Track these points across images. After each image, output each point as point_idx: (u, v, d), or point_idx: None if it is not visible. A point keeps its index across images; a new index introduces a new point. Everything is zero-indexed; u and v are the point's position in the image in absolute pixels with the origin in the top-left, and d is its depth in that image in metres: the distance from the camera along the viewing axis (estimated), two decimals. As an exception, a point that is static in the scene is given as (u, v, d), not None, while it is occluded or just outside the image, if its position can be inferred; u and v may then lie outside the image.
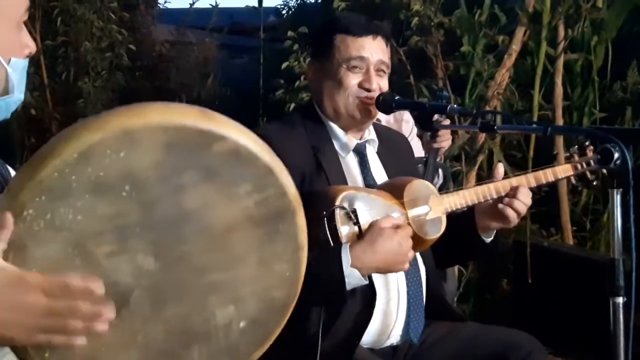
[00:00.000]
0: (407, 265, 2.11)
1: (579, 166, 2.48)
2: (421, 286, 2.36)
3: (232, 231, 1.39)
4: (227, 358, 1.47)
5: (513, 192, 2.32)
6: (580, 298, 4.45)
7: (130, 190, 1.29)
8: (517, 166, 5.65)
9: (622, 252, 2.07)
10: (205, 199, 1.35)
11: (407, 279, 2.32)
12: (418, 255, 2.35)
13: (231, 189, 1.37)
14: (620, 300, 2.01)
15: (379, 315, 2.25)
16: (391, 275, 2.26)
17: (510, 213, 2.32)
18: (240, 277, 1.43)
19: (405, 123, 3.72)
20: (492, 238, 2.45)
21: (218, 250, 1.39)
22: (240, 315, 1.45)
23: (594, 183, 2.50)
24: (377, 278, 2.20)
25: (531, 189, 2.39)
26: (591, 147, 2.43)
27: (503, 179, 2.39)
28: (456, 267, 4.68)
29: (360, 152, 2.39)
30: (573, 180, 2.53)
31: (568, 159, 2.50)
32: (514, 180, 2.39)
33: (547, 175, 2.46)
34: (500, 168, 2.40)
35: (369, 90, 2.34)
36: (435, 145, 3.23)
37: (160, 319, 1.38)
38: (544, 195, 5.39)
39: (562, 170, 2.48)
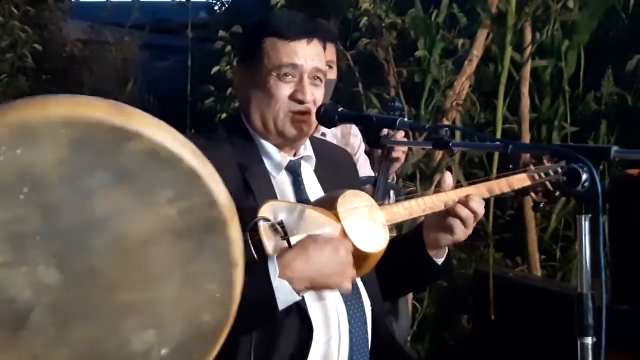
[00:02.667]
0: (347, 283, 2.10)
1: (536, 176, 2.50)
2: (365, 323, 2.34)
3: (150, 244, 1.38)
4: None
5: (465, 201, 2.34)
6: (549, 337, 4.48)
7: (29, 192, 1.26)
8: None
9: (592, 285, 2.08)
10: (117, 206, 1.33)
11: (349, 314, 2.29)
12: (361, 286, 2.34)
13: (149, 195, 1.35)
14: (589, 340, 2.02)
15: (318, 358, 2.23)
16: (331, 310, 2.25)
17: (459, 226, 2.33)
18: (161, 297, 1.41)
19: (353, 137, 3.72)
20: (444, 259, 2.46)
21: (133, 265, 1.38)
22: (162, 342, 1.43)
23: (557, 194, 2.53)
24: (314, 313, 2.18)
25: (495, 213, 2.41)
26: (549, 157, 2.47)
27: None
28: (410, 302, 4.69)
29: (293, 171, 2.38)
30: (534, 195, 2.55)
31: (523, 168, 2.53)
32: (464, 191, 2.41)
33: (500, 185, 2.48)
34: (448, 178, 2.42)
35: (302, 103, 2.33)
36: (392, 155, 3.24)
37: (65, 342, 1.35)
38: (509, 220, 5.46)
39: (518, 180, 2.50)
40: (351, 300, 2.27)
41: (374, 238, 2.21)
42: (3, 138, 1.23)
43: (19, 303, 1.29)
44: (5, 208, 1.26)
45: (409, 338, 4.56)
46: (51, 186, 1.28)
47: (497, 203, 5.02)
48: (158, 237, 1.38)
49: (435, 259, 2.44)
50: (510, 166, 2.55)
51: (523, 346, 4.75)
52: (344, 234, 2.15)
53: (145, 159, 1.33)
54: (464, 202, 2.33)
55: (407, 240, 2.42)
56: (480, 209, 2.35)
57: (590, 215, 2.06)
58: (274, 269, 1.99)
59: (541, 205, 2.56)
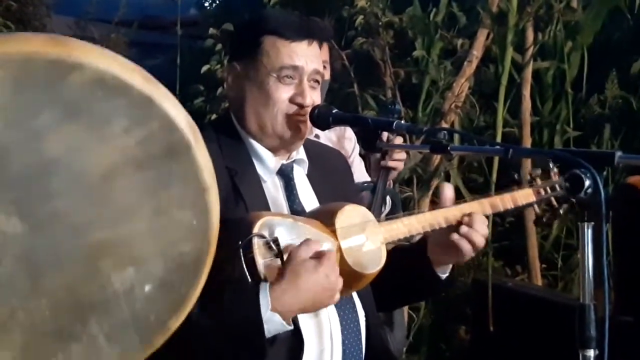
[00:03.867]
0: (337, 297, 2.10)
1: (542, 191, 2.50)
2: (359, 334, 2.34)
3: (113, 178, 1.37)
4: (134, 330, 1.45)
5: (468, 220, 2.34)
6: (549, 349, 4.48)
7: None
8: (477, 192, 5.70)
9: (595, 296, 2.08)
10: (71, 143, 1.32)
11: (342, 325, 2.29)
12: (356, 297, 2.34)
13: (102, 127, 1.34)
14: (591, 353, 2.03)
15: (311, 370, 2.23)
16: (324, 321, 2.24)
17: (466, 246, 2.33)
18: (134, 232, 1.41)
19: (347, 141, 3.72)
20: (447, 274, 2.46)
21: (99, 202, 1.37)
22: (143, 278, 1.43)
23: (561, 211, 2.53)
24: (307, 323, 2.18)
25: (494, 220, 2.41)
26: (555, 170, 2.46)
27: (455, 204, 2.40)
28: (405, 312, 4.69)
29: (286, 175, 2.38)
30: (537, 210, 2.55)
31: (530, 183, 2.52)
32: (467, 207, 2.40)
33: (505, 201, 2.48)
34: (448, 190, 2.41)
35: (301, 106, 2.32)
36: (388, 164, 3.24)
37: (42, 291, 1.35)
38: (509, 227, 5.46)
39: (523, 196, 2.50)
40: (345, 310, 2.27)
41: (371, 258, 2.21)
42: None
43: None
44: None
45: (404, 349, 4.55)
46: None
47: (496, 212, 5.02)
48: (120, 170, 1.37)
49: (440, 274, 2.44)
50: (515, 175, 2.55)
51: (523, 359, 4.75)
52: (340, 253, 2.15)
53: (91, 90, 1.31)
54: (468, 223, 2.33)
55: (411, 253, 2.42)
56: (484, 229, 2.35)
57: (593, 223, 2.06)
58: (266, 302, 1.97)
59: (544, 220, 2.56)
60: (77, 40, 1.34)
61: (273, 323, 1.99)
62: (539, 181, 2.51)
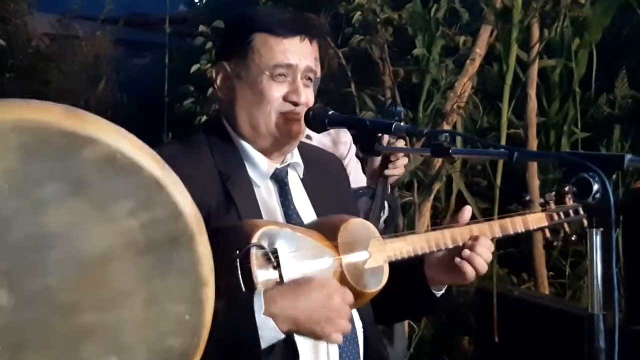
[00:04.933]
0: (337, 335, 2.07)
1: (555, 216, 2.52)
2: (357, 347, 2.34)
3: (110, 261, 1.37)
4: None
5: (472, 244, 2.34)
6: (557, 360, 4.50)
7: None
8: (481, 196, 5.73)
9: (604, 305, 2.09)
10: (73, 219, 1.32)
11: (339, 337, 2.31)
12: (353, 309, 2.35)
13: (107, 206, 1.34)
14: (600, 365, 2.03)
15: (305, 385, 2.23)
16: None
17: (469, 269, 2.34)
18: (124, 319, 1.40)
19: (343, 145, 3.72)
20: (443, 291, 2.47)
21: (92, 284, 1.36)
22: None
23: (572, 239, 2.54)
24: (302, 338, 2.18)
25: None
26: (571, 195, 2.47)
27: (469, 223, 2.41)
28: (406, 323, 4.70)
29: (280, 180, 2.38)
30: (547, 234, 2.57)
31: (543, 206, 2.53)
32: (475, 228, 2.41)
33: (515, 224, 2.49)
34: (466, 213, 2.42)
35: (295, 104, 2.33)
36: (387, 173, 3.24)
37: None
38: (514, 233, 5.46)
39: (535, 220, 2.51)
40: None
41: (373, 276, 2.21)
42: None
43: None
44: None
45: (405, 362, 4.56)
46: (1, 198, 1.27)
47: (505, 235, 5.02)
48: (119, 253, 1.37)
49: (435, 292, 2.45)
50: (527, 197, 2.55)
51: (529, 371, 4.77)
52: (341, 269, 2.15)
53: (101, 167, 1.32)
54: (472, 246, 2.34)
55: (406, 269, 2.42)
56: (488, 254, 2.36)
57: (602, 229, 2.06)
58: (259, 305, 1.98)
59: (554, 244, 2.57)
60: (93, 115, 1.35)
61: (266, 328, 1.99)
62: (552, 205, 2.52)
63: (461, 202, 5.67)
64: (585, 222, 2.08)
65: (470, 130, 5.85)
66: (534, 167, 5.45)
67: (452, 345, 5.65)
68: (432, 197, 5.42)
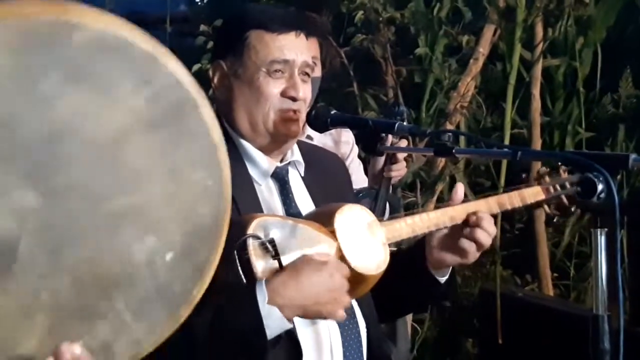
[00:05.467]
0: (341, 312, 2.11)
1: (551, 189, 2.51)
2: (360, 346, 2.35)
3: (124, 141, 1.38)
4: (160, 302, 1.46)
5: (475, 220, 2.34)
6: (562, 362, 4.50)
7: None
8: (485, 196, 5.71)
9: (609, 306, 2.09)
10: (79, 107, 1.33)
11: (342, 337, 2.30)
12: (356, 307, 2.34)
13: (109, 88, 1.35)
14: (605, 366, 2.04)
15: (309, 384, 2.23)
16: (323, 332, 2.25)
17: (470, 246, 2.34)
18: (151, 198, 1.42)
19: (344, 144, 3.73)
20: (447, 277, 2.47)
21: (113, 168, 1.38)
22: (164, 246, 1.44)
23: (572, 210, 2.53)
24: (305, 336, 2.18)
25: (503, 227, 2.42)
26: (564, 167, 2.48)
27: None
28: (409, 323, 4.70)
29: (281, 178, 2.39)
30: (547, 209, 2.56)
31: (538, 180, 2.53)
32: (473, 206, 2.41)
33: (513, 199, 2.48)
34: (459, 189, 2.42)
35: (294, 100, 2.33)
36: (387, 174, 3.25)
37: (63, 268, 1.35)
38: (518, 234, 5.46)
39: (532, 194, 2.51)
40: (345, 322, 2.27)
41: (373, 259, 2.21)
42: None
43: (3, 236, 1.29)
44: None
45: (408, 363, 4.56)
46: (5, 98, 1.27)
47: (505, 215, 5.01)
48: (131, 132, 1.38)
49: (438, 277, 2.45)
50: (523, 175, 2.56)
51: (533, 373, 4.77)
52: (340, 254, 2.15)
53: (93, 50, 1.32)
54: (475, 222, 2.33)
55: (407, 257, 2.42)
56: (492, 228, 2.36)
57: (606, 229, 2.07)
58: (262, 296, 1.98)
59: (554, 220, 2.59)
60: (73, 2, 1.35)
61: (272, 318, 2.00)
62: (547, 179, 2.52)
63: (465, 203, 5.65)
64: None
65: (474, 130, 5.85)
66: (537, 167, 5.44)
67: (456, 347, 5.64)
68: (435, 197, 5.42)
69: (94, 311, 1.41)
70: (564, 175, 2.50)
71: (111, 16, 1.37)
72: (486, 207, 2.42)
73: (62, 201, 1.33)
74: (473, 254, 2.36)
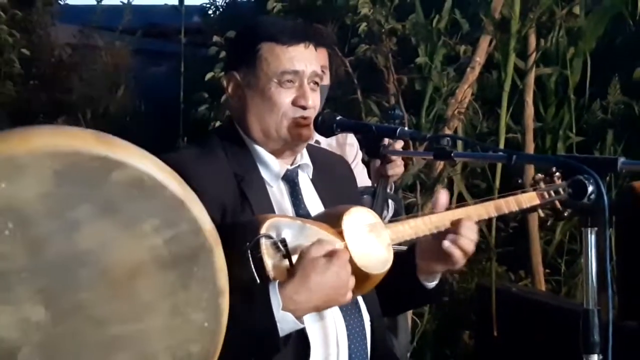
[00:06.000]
0: (349, 295, 2.11)
1: (546, 195, 2.51)
2: (365, 339, 2.35)
3: (137, 275, 1.39)
4: None
5: (455, 227, 2.34)
6: (553, 354, 4.48)
7: (14, 228, 1.27)
8: (480, 197, 5.67)
9: (598, 301, 2.09)
10: (103, 237, 1.35)
11: (348, 329, 2.30)
12: (361, 301, 2.35)
13: (135, 225, 1.37)
14: (595, 358, 2.03)
15: (316, 375, 2.23)
16: (330, 326, 2.25)
17: (456, 252, 2.33)
18: (150, 329, 1.42)
19: (349, 147, 3.73)
20: (436, 282, 2.46)
21: (121, 297, 1.39)
22: None
23: (565, 214, 2.54)
24: (312, 329, 2.18)
25: (498, 225, 2.41)
26: (558, 174, 2.47)
27: (458, 207, 2.40)
28: (409, 317, 4.69)
29: (291, 180, 2.39)
30: (541, 213, 2.56)
31: (533, 186, 2.53)
32: (472, 209, 2.41)
33: (509, 204, 2.49)
34: (442, 197, 2.41)
35: (304, 108, 2.34)
36: (385, 172, 3.25)
37: None
38: (512, 232, 5.45)
39: (527, 199, 2.51)
40: (351, 316, 2.28)
41: (377, 259, 2.21)
42: None
43: (6, 343, 1.30)
44: None
45: (409, 355, 4.55)
46: (36, 220, 1.29)
47: (500, 216, 5.02)
48: (145, 268, 1.39)
49: (428, 283, 2.44)
50: (520, 181, 2.56)
51: (527, 363, 4.76)
52: (348, 254, 2.16)
53: (129, 188, 1.35)
54: (456, 229, 2.32)
55: (398, 262, 2.43)
56: (473, 234, 2.34)
57: (596, 228, 2.07)
58: (277, 302, 1.99)
59: (548, 224, 2.59)
60: (121, 140, 1.38)
61: (286, 322, 2.01)
62: (542, 185, 2.52)
63: (462, 203, 5.65)
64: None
65: (471, 134, 5.84)
66: (531, 170, 5.43)
67: (453, 339, 5.64)
68: (443, 189, 5.41)
69: None
70: (558, 181, 2.50)
71: (153, 158, 1.39)
72: (485, 211, 2.43)
73: (68, 320, 1.35)
74: (459, 261, 2.35)
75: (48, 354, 1.34)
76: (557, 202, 2.52)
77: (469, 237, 2.32)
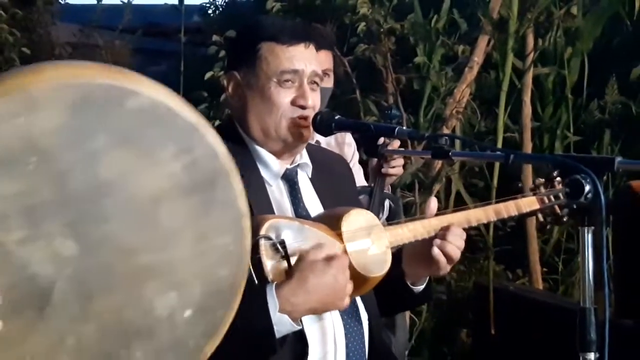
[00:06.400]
0: (346, 301, 2.11)
1: (545, 199, 2.52)
2: (363, 338, 2.35)
3: (160, 203, 1.39)
4: (174, 355, 1.46)
5: (442, 233, 2.33)
6: (550, 352, 4.47)
7: (37, 161, 1.27)
8: (478, 196, 5.72)
9: (595, 299, 2.09)
10: (124, 166, 1.35)
11: (345, 328, 2.30)
12: (359, 300, 2.34)
13: (152, 152, 1.38)
14: (591, 356, 2.03)
15: (313, 374, 2.23)
16: (328, 324, 2.25)
17: (442, 259, 2.33)
18: (178, 256, 1.43)
19: (347, 146, 3.73)
20: (424, 286, 2.47)
21: (147, 226, 1.39)
22: (184, 303, 1.45)
23: (565, 219, 2.54)
24: (310, 328, 2.18)
25: (495, 224, 2.41)
26: (559, 178, 2.47)
27: (457, 210, 2.40)
28: (407, 315, 4.70)
29: (290, 179, 2.39)
30: (541, 217, 2.56)
31: (533, 191, 2.53)
32: (472, 213, 2.41)
33: (509, 208, 2.48)
34: (432, 204, 2.41)
35: (303, 108, 2.33)
36: (384, 171, 3.25)
37: (90, 315, 1.36)
38: (510, 232, 5.46)
39: (527, 204, 2.51)
40: (349, 315, 2.27)
41: (376, 262, 2.21)
42: (4, 106, 1.24)
43: (40, 279, 1.30)
44: (16, 180, 1.26)
45: (406, 353, 4.55)
46: (57, 153, 1.29)
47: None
48: (167, 195, 1.40)
49: (416, 287, 2.44)
50: (520, 185, 2.56)
51: (524, 361, 4.76)
52: (346, 256, 2.16)
53: (144, 116, 1.35)
54: (443, 235, 2.32)
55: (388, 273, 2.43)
56: (460, 242, 2.34)
57: (593, 227, 2.07)
58: (274, 304, 1.99)
59: (547, 228, 2.59)
60: (132, 71, 1.38)
61: (282, 324, 2.01)
62: (542, 189, 2.52)
63: (460, 202, 5.66)
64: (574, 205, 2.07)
65: (469, 134, 5.84)
66: (528, 169, 5.44)
67: (451, 337, 5.64)
68: (432, 197, 5.41)
69: (114, 358, 1.41)
70: (558, 186, 2.50)
71: (163, 86, 1.40)
72: (484, 216, 2.43)
73: (97, 252, 1.35)
74: (445, 266, 2.35)
75: (81, 287, 1.34)
76: (556, 207, 2.53)
77: (456, 244, 2.32)
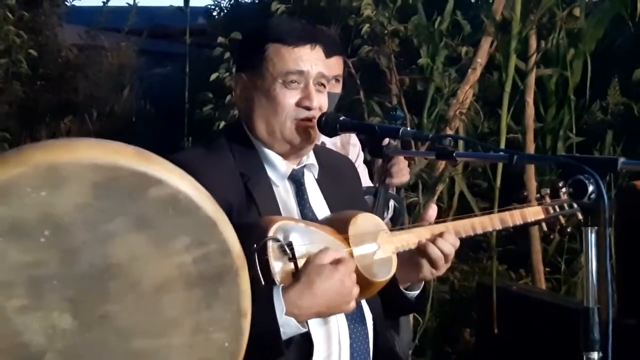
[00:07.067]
0: (352, 305, 2.11)
1: (550, 209, 2.52)
2: (367, 338, 2.35)
3: (164, 291, 1.39)
4: None
5: (434, 238, 2.34)
6: (553, 352, 4.48)
7: (50, 235, 1.28)
8: (482, 197, 5.72)
9: (598, 299, 2.08)
10: (135, 252, 1.35)
11: (350, 329, 2.30)
12: (364, 302, 2.35)
13: (167, 241, 1.38)
14: (595, 356, 2.03)
15: (317, 373, 2.23)
16: (332, 325, 2.25)
17: (425, 265, 2.33)
18: (172, 345, 1.43)
19: (352, 146, 3.73)
20: (418, 292, 2.47)
21: (147, 312, 1.39)
22: None
23: (568, 230, 2.54)
24: (315, 329, 2.18)
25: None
26: (564, 190, 2.48)
27: (460, 217, 2.41)
28: (411, 315, 4.69)
29: (297, 180, 2.39)
30: (544, 227, 2.57)
31: (539, 200, 2.54)
32: (477, 220, 2.42)
33: (514, 217, 2.50)
34: (431, 210, 2.41)
35: (308, 109, 2.33)
36: (392, 181, 3.25)
37: None
38: (513, 232, 5.44)
39: (532, 213, 2.53)
40: (353, 315, 2.27)
41: (382, 266, 2.21)
42: (28, 179, 1.25)
43: (32, 348, 1.31)
44: (26, 251, 1.27)
45: (410, 352, 4.56)
46: (72, 230, 1.29)
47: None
48: (172, 284, 1.40)
49: (410, 292, 2.44)
50: (525, 193, 2.58)
51: (527, 360, 4.76)
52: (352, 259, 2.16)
53: (164, 206, 1.35)
54: (434, 240, 2.32)
55: None
56: (449, 250, 2.33)
57: (596, 227, 2.06)
58: (280, 306, 1.99)
59: (551, 237, 2.61)
60: (160, 157, 1.39)
61: (289, 327, 2.01)
62: (548, 199, 2.53)
63: (463, 202, 5.67)
64: (580, 215, 2.08)
65: (472, 134, 5.85)
66: (531, 169, 5.44)
67: (455, 337, 5.65)
68: (435, 197, 5.42)
69: None
70: (563, 196, 2.51)
71: (190, 179, 1.40)
72: (490, 224, 2.44)
73: (93, 329, 1.35)
74: (429, 272, 2.34)
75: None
76: (561, 218, 2.54)
77: (442, 248, 2.32)
